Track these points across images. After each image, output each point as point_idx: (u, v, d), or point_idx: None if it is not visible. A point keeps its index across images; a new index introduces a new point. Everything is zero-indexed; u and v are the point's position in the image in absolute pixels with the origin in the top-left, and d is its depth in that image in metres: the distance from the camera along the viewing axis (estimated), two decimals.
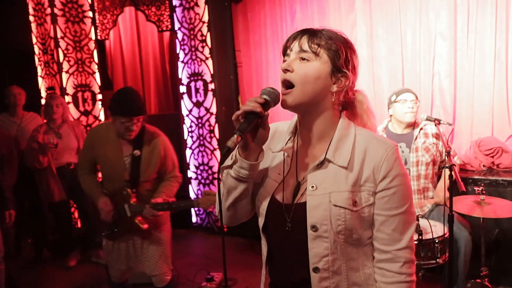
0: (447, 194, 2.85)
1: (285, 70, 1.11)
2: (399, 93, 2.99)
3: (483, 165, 3.31)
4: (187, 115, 4.77)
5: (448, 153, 2.43)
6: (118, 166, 2.48)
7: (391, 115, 3.07)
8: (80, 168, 2.63)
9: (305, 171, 1.17)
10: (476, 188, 2.59)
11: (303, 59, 1.10)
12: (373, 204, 1.12)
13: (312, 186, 1.12)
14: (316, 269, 1.12)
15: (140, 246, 2.57)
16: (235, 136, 1.02)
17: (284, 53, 1.16)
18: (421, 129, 2.99)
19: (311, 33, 1.12)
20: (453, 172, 2.30)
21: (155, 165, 2.53)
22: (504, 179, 3.08)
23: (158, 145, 2.54)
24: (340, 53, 1.11)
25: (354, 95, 1.20)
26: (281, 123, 1.28)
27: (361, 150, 1.12)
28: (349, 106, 1.20)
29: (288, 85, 1.11)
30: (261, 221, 1.22)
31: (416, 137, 2.97)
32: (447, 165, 2.37)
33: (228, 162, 1.16)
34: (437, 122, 2.79)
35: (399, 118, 2.99)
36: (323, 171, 1.13)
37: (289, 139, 1.22)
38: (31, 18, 4.90)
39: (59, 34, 4.71)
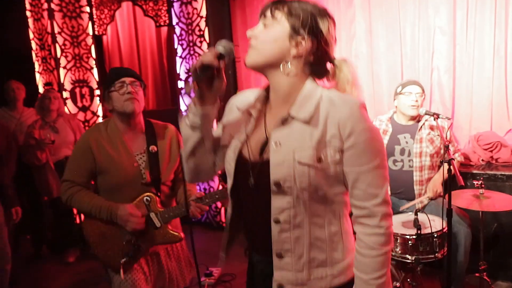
0: (440, 189, 2.86)
1: (249, 38, 1.17)
2: (405, 84, 3.00)
3: (482, 160, 3.32)
4: (185, 110, 4.74)
5: (447, 147, 2.43)
6: (131, 168, 1.99)
7: (396, 106, 3.08)
8: (70, 185, 2.01)
9: (272, 129, 1.18)
10: (475, 182, 2.59)
11: (265, 25, 1.15)
12: (340, 161, 1.12)
13: (276, 143, 1.13)
14: (276, 221, 1.14)
15: (167, 264, 2.14)
16: (191, 83, 1.12)
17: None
18: (426, 120, 2.99)
19: (277, 2, 1.15)
20: (452, 167, 2.30)
21: (175, 160, 2.11)
22: (502, 173, 3.09)
23: (174, 136, 2.14)
24: (303, 17, 1.12)
25: (335, 64, 1.19)
26: (256, 89, 1.30)
27: (326, 107, 1.12)
28: (323, 73, 1.20)
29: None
30: (229, 182, 1.24)
31: (421, 128, 2.97)
32: (445, 160, 2.37)
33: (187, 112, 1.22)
34: (436, 116, 2.79)
35: (402, 111, 2.99)
36: (287, 128, 1.14)
37: (257, 99, 1.25)
38: (28, 14, 4.87)
39: (56, 30, 4.68)
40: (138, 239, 1.98)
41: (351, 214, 1.22)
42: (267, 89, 1.25)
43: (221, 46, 1.16)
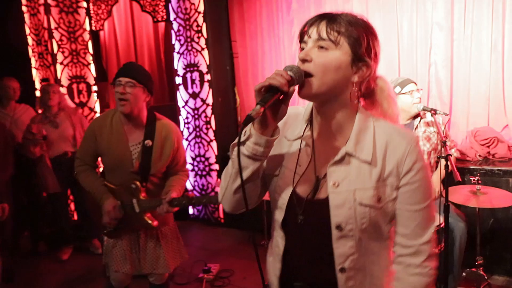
0: (438, 188, 2.86)
1: (303, 60, 1.04)
2: (403, 84, 2.94)
3: (479, 155, 3.32)
4: (183, 107, 4.75)
5: (444, 143, 2.43)
6: (123, 156, 2.23)
7: None
8: (80, 162, 2.34)
9: (324, 164, 1.11)
10: (472, 178, 2.60)
11: (321, 47, 1.03)
12: (396, 199, 1.08)
13: (334, 183, 1.07)
14: (342, 270, 1.09)
15: (146, 245, 2.34)
16: (258, 106, 0.96)
17: (301, 40, 1.09)
18: (422, 118, 2.99)
19: (330, 19, 1.04)
20: (449, 162, 2.30)
21: (168, 157, 2.29)
22: (499, 168, 3.10)
23: (171, 135, 2.30)
24: (362, 41, 1.04)
25: (376, 82, 1.14)
26: (293, 108, 1.18)
27: (383, 144, 1.07)
28: (369, 94, 1.14)
29: (306, 75, 1.04)
30: (280, 215, 1.16)
31: (417, 127, 2.97)
32: (443, 155, 2.37)
33: (241, 138, 1.07)
34: (434, 112, 2.78)
35: (407, 110, 2.95)
36: (344, 166, 1.08)
37: (306, 127, 1.15)
38: (24, 9, 4.84)
39: (53, 25, 4.66)
40: (119, 218, 2.26)
41: None
42: (311, 112, 1.16)
43: (291, 70, 1.02)
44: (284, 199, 1.14)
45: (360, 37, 1.04)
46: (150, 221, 2.26)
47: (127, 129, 2.27)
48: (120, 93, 2.15)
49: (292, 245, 1.17)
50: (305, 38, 1.06)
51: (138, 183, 2.23)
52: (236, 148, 1.06)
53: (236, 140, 1.04)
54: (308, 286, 1.16)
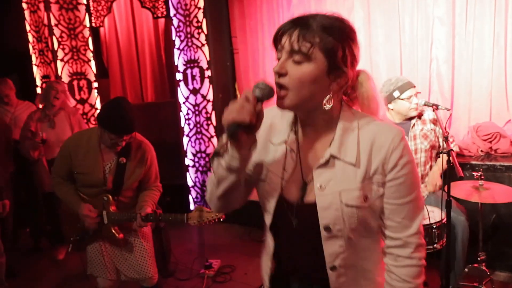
0: (440, 182, 2.86)
1: (279, 74, 1.03)
2: (403, 89, 2.89)
3: (481, 151, 3.31)
4: (184, 103, 4.74)
5: (446, 139, 2.42)
6: (96, 174, 2.34)
7: (391, 109, 3.02)
8: (56, 176, 2.44)
9: (310, 167, 1.12)
10: (474, 174, 2.58)
11: (295, 62, 1.01)
12: (383, 195, 1.09)
13: (320, 186, 1.09)
14: (333, 268, 1.12)
15: (124, 252, 2.46)
16: (224, 140, 1.00)
17: (276, 46, 1.07)
18: (419, 118, 2.97)
19: (302, 27, 1.00)
20: (451, 158, 2.29)
21: (139, 174, 2.42)
22: (502, 164, 3.09)
23: (145, 155, 2.43)
24: (337, 50, 1.01)
25: (356, 79, 1.13)
26: (276, 109, 1.14)
27: (367, 144, 1.07)
28: (351, 91, 1.14)
29: (282, 87, 1.04)
30: (268, 219, 1.19)
31: (414, 125, 2.95)
32: (444, 151, 2.35)
33: (218, 149, 1.09)
34: (435, 107, 2.76)
35: (404, 114, 2.93)
36: (330, 169, 1.09)
37: (290, 131, 1.16)
38: (24, 6, 4.83)
39: (53, 22, 4.65)
40: (87, 228, 2.38)
41: None
42: (295, 115, 1.17)
43: (259, 89, 1.03)
44: (272, 203, 1.16)
45: (335, 47, 1.01)
46: (116, 234, 2.38)
47: (103, 148, 2.37)
48: (120, 144, 2.30)
49: (283, 246, 1.20)
50: (279, 46, 1.05)
51: (110, 196, 2.36)
52: (215, 160, 1.09)
53: (215, 151, 1.08)
54: (300, 284, 1.21)
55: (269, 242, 1.23)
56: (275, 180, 1.15)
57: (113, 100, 2.37)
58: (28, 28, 4.88)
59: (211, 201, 1.20)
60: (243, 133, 1.02)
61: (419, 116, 2.97)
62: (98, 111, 4.92)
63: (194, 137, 4.75)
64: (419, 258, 1.13)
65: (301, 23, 1.01)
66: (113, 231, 2.38)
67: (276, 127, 1.18)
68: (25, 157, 3.83)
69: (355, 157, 1.07)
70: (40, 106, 4.05)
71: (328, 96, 1.05)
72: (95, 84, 4.97)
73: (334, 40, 1.01)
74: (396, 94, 2.91)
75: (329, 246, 1.10)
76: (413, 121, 2.96)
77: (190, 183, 4.87)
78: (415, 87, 2.94)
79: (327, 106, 1.05)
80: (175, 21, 4.59)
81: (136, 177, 2.42)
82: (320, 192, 1.08)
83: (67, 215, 2.46)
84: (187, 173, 4.87)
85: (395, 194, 1.08)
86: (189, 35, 4.52)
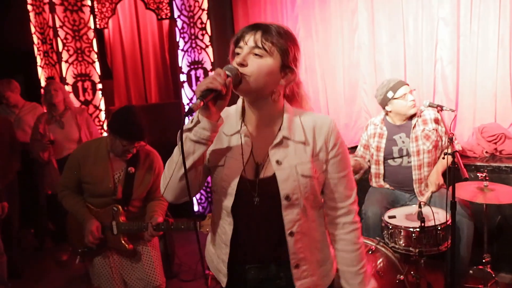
0: (441, 181, 2.85)
1: (241, 64, 1.20)
2: (395, 88, 2.91)
3: (486, 152, 3.29)
4: (188, 104, 4.74)
5: (451, 140, 2.41)
6: (106, 183, 2.35)
7: (389, 111, 3.01)
8: (64, 187, 2.44)
9: (262, 151, 1.31)
10: (479, 175, 2.57)
11: (256, 54, 1.21)
12: (326, 170, 1.32)
13: (277, 161, 1.27)
14: (291, 233, 1.28)
15: (131, 263, 2.46)
16: (198, 100, 1.11)
17: (236, 44, 1.25)
18: (419, 116, 2.96)
19: (264, 30, 1.22)
20: (456, 159, 2.28)
21: (148, 183, 2.44)
22: (507, 165, 3.07)
23: (153, 163, 2.46)
24: (289, 51, 1.24)
25: (299, 87, 1.36)
26: (227, 108, 1.34)
27: (310, 128, 1.30)
28: (293, 95, 1.37)
29: (243, 75, 1.21)
30: (229, 201, 1.30)
31: (415, 125, 2.94)
32: (449, 152, 2.35)
33: (188, 126, 1.21)
34: (440, 108, 2.76)
35: (403, 113, 2.93)
36: (283, 148, 1.29)
37: (241, 123, 1.33)
38: (29, 7, 4.86)
39: (58, 23, 4.66)
40: (87, 244, 2.35)
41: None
42: (242, 109, 1.35)
43: (228, 68, 1.20)
44: (233, 185, 1.29)
45: (288, 48, 1.24)
46: (126, 244, 2.39)
47: (112, 158, 2.39)
48: (132, 151, 2.34)
49: (242, 228, 1.33)
50: (241, 43, 1.24)
51: (119, 206, 2.36)
52: (184, 136, 1.20)
53: (185, 127, 1.20)
54: (258, 264, 1.34)
55: (226, 228, 1.34)
56: (234, 164, 1.31)
57: (124, 108, 2.43)
58: (33, 29, 4.91)
59: (169, 186, 1.28)
60: (213, 102, 1.17)
61: (420, 115, 2.96)
62: (102, 112, 4.96)
63: None
64: (358, 222, 1.39)
65: (263, 27, 1.23)
66: (123, 241, 2.38)
67: (226, 122, 1.33)
68: (36, 159, 3.84)
69: (303, 137, 1.29)
70: (45, 109, 4.06)
71: (276, 89, 1.27)
72: (100, 86, 4.99)
73: (287, 43, 1.24)
74: (390, 94, 2.92)
75: (288, 214, 1.27)
76: (413, 121, 2.95)
77: None
78: (408, 85, 2.93)
79: (274, 97, 1.27)
80: (179, 23, 4.60)
81: (145, 186, 2.43)
82: (278, 167, 1.27)
83: (75, 225, 2.43)
84: None
85: (337, 168, 1.32)
86: (193, 37, 4.53)
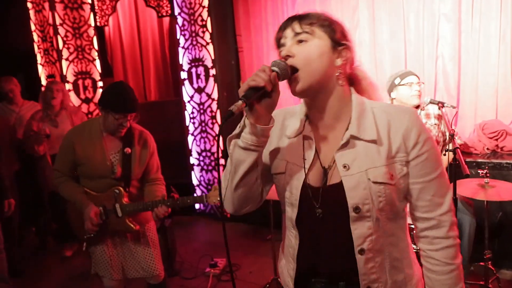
0: None
1: (286, 57, 1.08)
2: (403, 76, 2.93)
3: (487, 148, 3.29)
4: (189, 101, 4.74)
5: (452, 136, 2.40)
6: (103, 164, 2.31)
7: (393, 98, 3.03)
8: (59, 174, 2.38)
9: (328, 154, 1.13)
10: (480, 171, 2.57)
11: (300, 41, 1.08)
12: (407, 174, 1.10)
13: (345, 166, 1.08)
14: (361, 251, 1.08)
15: (131, 249, 2.45)
16: (240, 101, 0.98)
17: (279, 45, 1.13)
18: (423, 109, 2.96)
19: (300, 17, 1.10)
20: (457, 156, 2.28)
21: (144, 162, 2.42)
22: (508, 162, 3.06)
23: (148, 142, 2.45)
24: (335, 27, 1.10)
25: (356, 69, 1.17)
26: (287, 108, 1.23)
27: (384, 122, 1.10)
28: (354, 82, 1.18)
29: (293, 70, 1.07)
30: (293, 212, 1.15)
31: None
32: (451, 148, 2.34)
33: (236, 131, 1.09)
34: (441, 105, 2.75)
35: (405, 101, 2.94)
36: (351, 149, 1.09)
37: (304, 123, 1.18)
38: (29, 5, 4.86)
39: (58, 21, 4.66)
40: (87, 231, 2.32)
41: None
42: (304, 109, 1.19)
43: (275, 62, 1.07)
44: (295, 194, 1.13)
45: (332, 24, 1.10)
46: (132, 225, 2.36)
47: (106, 139, 2.36)
48: (125, 125, 2.29)
49: (307, 241, 1.16)
50: (282, 40, 1.11)
51: (121, 188, 2.33)
52: (231, 144, 1.09)
53: (233, 133, 1.08)
54: (325, 280, 1.15)
55: (292, 241, 1.19)
56: (297, 170, 1.15)
57: (114, 83, 2.40)
58: (33, 27, 4.91)
59: (227, 198, 1.16)
60: (259, 102, 1.03)
61: (423, 108, 2.96)
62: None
63: (199, 136, 4.76)
64: (455, 237, 1.13)
65: (298, 16, 1.11)
66: (129, 222, 2.35)
67: (289, 124, 1.21)
68: (31, 154, 3.85)
69: (375, 134, 1.08)
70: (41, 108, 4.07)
71: (338, 71, 1.10)
72: (100, 83, 4.99)
73: (330, 20, 1.11)
74: (397, 81, 2.93)
75: (358, 228, 1.08)
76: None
77: (195, 182, 4.88)
78: (417, 76, 2.93)
79: (340, 82, 1.10)
80: (179, 20, 4.60)
81: (142, 164, 2.42)
82: (346, 172, 1.08)
83: (75, 213, 2.41)
84: (192, 172, 4.88)
85: (422, 171, 1.09)
86: (193, 34, 4.53)
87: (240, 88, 1.02)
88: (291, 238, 1.19)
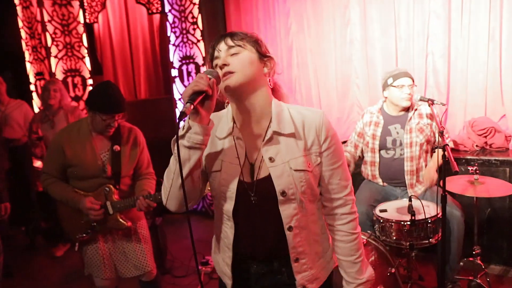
0: (436, 176, 2.86)
1: (223, 65, 1.25)
2: (396, 76, 2.93)
3: (476, 145, 3.32)
4: (180, 99, 4.72)
5: (441, 133, 2.42)
6: (94, 164, 2.32)
7: (385, 97, 3.04)
8: (47, 176, 2.38)
9: (255, 150, 1.32)
10: (469, 168, 2.59)
11: (233, 54, 1.26)
12: (321, 163, 1.33)
13: (270, 158, 1.28)
14: (290, 228, 1.30)
15: (123, 247, 2.46)
16: (188, 104, 1.13)
17: (213, 59, 1.30)
18: (416, 110, 2.97)
19: (231, 34, 1.29)
20: (446, 153, 2.29)
21: (135, 159, 2.44)
22: (496, 158, 3.10)
23: (137, 138, 2.46)
24: (260, 43, 1.31)
25: (275, 79, 1.38)
26: (217, 112, 1.40)
27: (300, 121, 1.31)
28: (274, 89, 1.38)
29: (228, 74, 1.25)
30: (230, 205, 1.32)
31: (410, 118, 2.95)
32: (440, 146, 2.36)
33: (180, 133, 1.22)
34: (431, 102, 2.77)
35: (395, 102, 2.95)
36: (274, 144, 1.30)
37: (233, 125, 1.35)
38: (16, 1, 4.79)
39: (46, 18, 4.61)
40: (93, 221, 2.35)
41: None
42: (231, 112, 1.37)
43: (208, 70, 1.24)
44: (232, 188, 1.31)
45: (258, 40, 1.31)
46: (123, 221, 2.38)
47: (95, 138, 2.38)
48: (113, 125, 2.31)
49: (243, 228, 1.35)
50: (216, 53, 1.29)
51: (111, 186, 2.35)
52: (177, 141, 1.20)
53: (179, 133, 1.21)
54: (261, 261, 1.36)
55: (227, 232, 1.37)
56: (231, 167, 1.32)
57: (100, 83, 2.40)
58: (20, 24, 4.84)
59: (170, 196, 1.29)
60: (201, 105, 1.19)
61: (416, 108, 2.97)
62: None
63: None
64: (355, 212, 1.40)
65: (229, 34, 1.30)
66: (120, 219, 2.38)
67: (217, 126, 1.38)
68: (18, 153, 3.86)
69: (293, 128, 1.29)
70: (39, 108, 4.05)
71: (268, 78, 1.32)
72: (90, 81, 4.94)
73: (255, 36, 1.32)
74: (389, 81, 2.94)
75: (285, 209, 1.29)
76: (410, 114, 2.96)
77: None
78: (412, 79, 2.94)
79: (265, 89, 1.31)
80: (170, 17, 4.57)
81: (132, 161, 2.43)
82: (271, 164, 1.28)
83: (67, 214, 2.41)
84: None
85: (331, 160, 1.33)
86: (184, 31, 4.50)
87: (183, 93, 1.17)
88: (226, 230, 1.37)
